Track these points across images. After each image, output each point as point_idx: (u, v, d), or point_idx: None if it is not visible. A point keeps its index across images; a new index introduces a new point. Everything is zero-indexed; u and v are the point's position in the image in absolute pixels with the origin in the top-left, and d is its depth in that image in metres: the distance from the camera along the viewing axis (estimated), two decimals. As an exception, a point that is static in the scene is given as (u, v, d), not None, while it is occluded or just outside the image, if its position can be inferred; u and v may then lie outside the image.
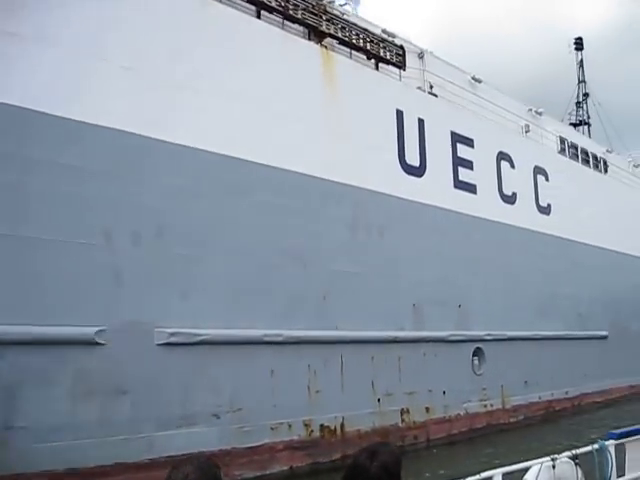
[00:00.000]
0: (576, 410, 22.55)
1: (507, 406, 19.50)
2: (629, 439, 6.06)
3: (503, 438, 17.97)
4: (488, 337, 18.82)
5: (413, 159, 17.58)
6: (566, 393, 22.25)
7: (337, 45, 16.77)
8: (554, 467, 5.35)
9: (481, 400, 18.53)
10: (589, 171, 26.99)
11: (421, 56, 19.92)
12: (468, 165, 19.40)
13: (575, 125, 41.47)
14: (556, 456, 5.44)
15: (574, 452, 5.56)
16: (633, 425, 6.55)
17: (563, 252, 23.05)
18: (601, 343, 24.70)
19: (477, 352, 18.63)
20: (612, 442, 5.84)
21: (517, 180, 21.49)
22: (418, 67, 19.59)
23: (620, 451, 6.04)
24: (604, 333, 24.95)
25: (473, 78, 21.92)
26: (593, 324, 24.30)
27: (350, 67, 16.52)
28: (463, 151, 19.32)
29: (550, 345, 21.50)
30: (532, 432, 18.77)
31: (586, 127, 41.87)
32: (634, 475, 5.95)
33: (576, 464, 5.54)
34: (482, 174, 19.91)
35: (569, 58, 42.91)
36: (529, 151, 22.72)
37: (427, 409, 16.69)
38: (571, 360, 22.36)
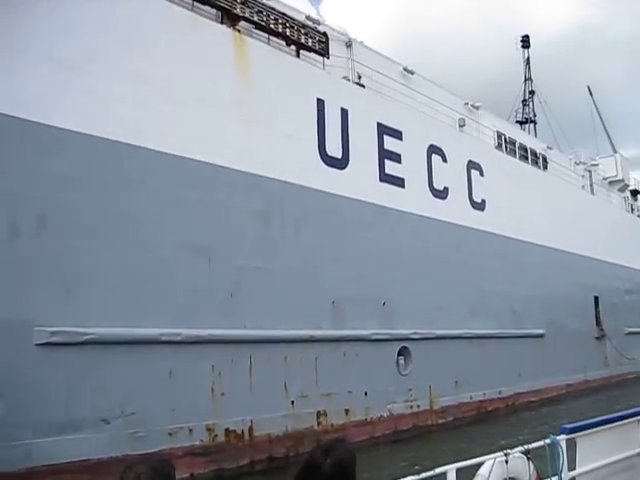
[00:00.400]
0: (510, 410, 22.06)
1: (435, 407, 18.88)
2: (580, 434, 6.09)
3: (430, 440, 17.37)
4: (415, 336, 18.18)
5: (335, 150, 16.85)
6: (499, 393, 21.73)
7: (255, 30, 15.98)
8: (507, 462, 5.43)
9: (407, 401, 17.88)
10: (527, 167, 26.57)
11: (349, 45, 19.24)
12: (396, 158, 18.73)
13: (521, 123, 41.48)
14: (509, 451, 5.51)
15: (526, 447, 5.65)
16: (571, 423, 6.41)
17: (498, 249, 22.55)
18: (537, 342, 24.27)
19: (403, 351, 17.97)
20: (563, 437, 5.89)
21: (449, 175, 20.91)
22: (345, 56, 18.91)
23: (571, 445, 6.08)
24: (541, 331, 24.53)
25: (405, 69, 21.33)
26: (529, 322, 23.86)
27: (266, 53, 15.71)
28: (390, 143, 18.66)
29: (483, 344, 20.98)
30: (461, 433, 18.20)
31: (532, 125, 41.78)
32: (584, 469, 5.99)
33: (528, 459, 5.65)
34: (411, 168, 19.27)
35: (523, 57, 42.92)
36: (463, 145, 22.18)
37: (347, 411, 15.97)
38: (505, 359, 21.88)
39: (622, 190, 38.15)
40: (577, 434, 6.04)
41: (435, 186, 20.20)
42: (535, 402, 23.49)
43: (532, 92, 42.12)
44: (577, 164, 32.89)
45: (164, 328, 12.43)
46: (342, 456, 3.05)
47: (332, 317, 15.99)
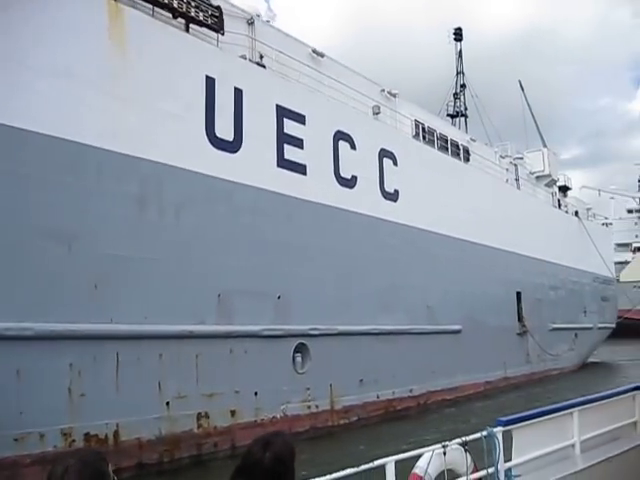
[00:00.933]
0: (422, 409, 21.22)
1: (337, 407, 17.88)
2: (516, 426, 6.19)
3: (329, 442, 16.41)
4: (314, 332, 17.14)
5: (226, 132, 15.68)
6: (410, 391, 20.86)
7: (139, 0, 14.71)
8: (445, 454, 5.49)
9: (304, 401, 16.84)
10: (447, 158, 25.74)
11: (251, 22, 18.10)
12: (297, 143, 17.65)
13: (452, 116, 40.97)
14: (447, 443, 5.56)
15: (464, 439, 5.72)
16: (503, 416, 6.43)
17: (412, 241, 21.69)
18: (454, 338, 23.48)
19: (300, 348, 16.92)
20: (500, 429, 5.97)
21: (358, 163, 19.92)
22: (245, 34, 17.77)
23: (508, 437, 6.17)
24: (457, 327, 23.75)
25: (314, 51, 20.29)
26: (445, 318, 23.06)
27: (146, 24, 14.43)
28: (292, 127, 17.56)
29: (393, 340, 20.08)
30: (364, 434, 17.24)
31: (463, 119, 41.32)
32: (520, 460, 6.09)
33: (466, 450, 5.73)
34: (314, 154, 18.20)
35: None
36: (375, 133, 21.19)
37: (233, 412, 14.85)
38: (418, 356, 21.05)
39: (549, 185, 37.83)
40: (513, 426, 6.12)
41: (342, 174, 19.18)
42: (450, 400, 22.73)
43: (463, 85, 41.65)
44: (503, 157, 32.30)
45: (11, 322, 11.14)
46: (281, 450, 3.05)
47: (218, 311, 14.82)
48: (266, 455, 3.00)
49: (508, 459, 6.09)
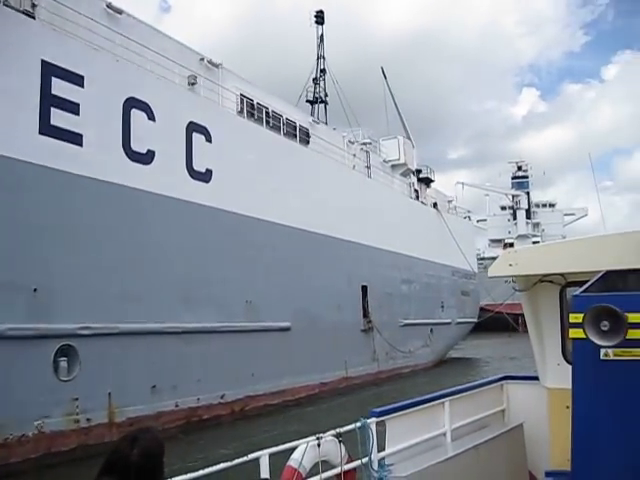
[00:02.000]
0: (238, 416, 18.84)
1: (118, 419, 15.17)
2: (389, 416, 6.22)
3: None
4: (85, 332, 14.42)
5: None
6: (222, 397, 18.42)
7: None
8: (319, 445, 5.44)
9: (69, 414, 14.07)
10: (279, 138, 23.43)
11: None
12: (70, 108, 14.86)
13: (312, 102, 38.96)
14: (321, 435, 5.50)
15: (338, 430, 5.68)
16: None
17: (228, 228, 19.26)
18: (281, 336, 21.26)
19: (67, 351, 14.17)
20: (374, 420, 5.99)
21: (158, 136, 17.30)
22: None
23: (382, 428, 6.19)
24: (286, 324, 21.53)
25: (109, 6, 17.48)
26: (269, 314, 20.79)
27: None
28: (64, 89, 14.75)
29: (199, 340, 17.66)
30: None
31: (323, 105, 39.36)
32: (393, 449, 6.16)
33: (340, 441, 5.68)
34: (94, 121, 15.46)
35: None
36: (181, 103, 18.57)
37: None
38: (233, 357, 18.72)
39: (405, 175, 36.29)
40: (386, 417, 6.20)
41: (134, 148, 16.51)
42: (274, 405, 20.45)
43: (323, 70, 39.59)
44: (352, 143, 30.33)
45: None
46: (149, 445, 2.85)
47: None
48: (134, 451, 2.75)
49: (382, 449, 6.09)
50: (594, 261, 5.86)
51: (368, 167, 30.79)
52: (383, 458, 6.00)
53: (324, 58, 40.28)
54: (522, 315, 7.32)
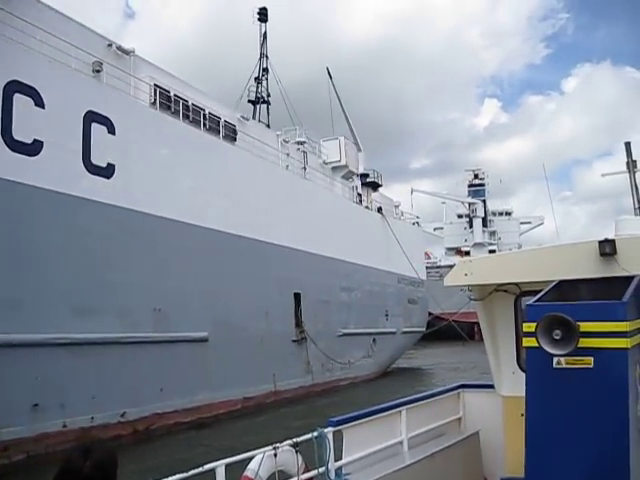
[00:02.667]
0: (142, 437, 17.02)
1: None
2: (346, 425, 6.21)
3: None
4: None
5: None
6: (122, 416, 16.64)
7: None
8: (276, 455, 5.46)
9: None
10: (200, 134, 21.71)
11: None
12: None
13: (254, 102, 37.41)
14: (277, 445, 5.51)
15: (295, 440, 5.73)
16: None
17: (133, 229, 17.54)
18: (197, 347, 19.54)
19: None
20: (330, 429, 5.98)
21: (47, 124, 15.54)
22: None
23: (339, 437, 6.19)
24: (202, 334, 19.81)
25: (-4, -20, 15.71)
26: (182, 323, 19.07)
27: None
28: None
29: (93, 352, 15.91)
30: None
31: (265, 105, 37.82)
32: (350, 458, 6.15)
33: (297, 451, 5.73)
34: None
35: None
36: (78, 90, 16.80)
37: None
38: (137, 371, 16.96)
39: (347, 178, 34.81)
40: (343, 426, 6.18)
41: (17, 137, 14.73)
42: (186, 423, 18.69)
43: (266, 69, 38.08)
44: (286, 142, 28.74)
45: None
46: (102, 458, 2.74)
47: None
48: (87, 463, 2.64)
49: (339, 458, 6.09)
50: (548, 271, 5.96)
51: (304, 168, 29.20)
52: (340, 467, 6.05)
53: (267, 57, 38.84)
54: (478, 324, 7.30)
